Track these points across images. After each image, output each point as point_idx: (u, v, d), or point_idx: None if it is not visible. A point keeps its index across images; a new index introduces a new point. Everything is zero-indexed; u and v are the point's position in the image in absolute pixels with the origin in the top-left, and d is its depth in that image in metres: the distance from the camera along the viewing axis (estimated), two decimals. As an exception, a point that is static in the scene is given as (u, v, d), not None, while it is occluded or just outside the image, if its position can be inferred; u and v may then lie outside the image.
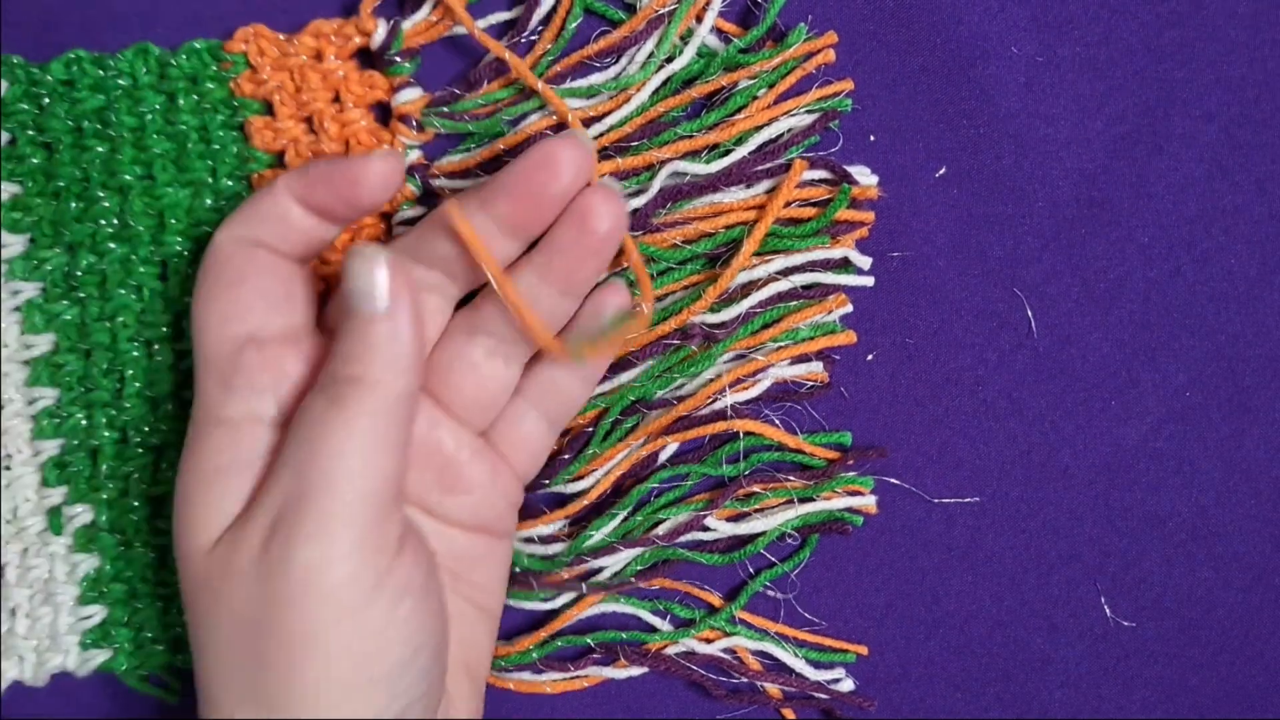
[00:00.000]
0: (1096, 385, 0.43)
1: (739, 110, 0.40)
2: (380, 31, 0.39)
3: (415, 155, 0.40)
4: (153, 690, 0.40)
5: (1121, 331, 0.42)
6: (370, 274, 0.32)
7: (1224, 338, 0.43)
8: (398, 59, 0.39)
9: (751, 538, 0.41)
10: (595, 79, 0.40)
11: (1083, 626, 0.43)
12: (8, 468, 0.38)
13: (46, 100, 0.39)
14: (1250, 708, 0.44)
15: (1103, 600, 0.43)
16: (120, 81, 0.39)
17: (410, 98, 0.39)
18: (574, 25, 0.40)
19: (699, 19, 0.40)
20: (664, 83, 0.40)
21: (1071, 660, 0.43)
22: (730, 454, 0.41)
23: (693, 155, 0.40)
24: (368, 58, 0.40)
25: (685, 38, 0.40)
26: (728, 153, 0.40)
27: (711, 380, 0.40)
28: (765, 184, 0.40)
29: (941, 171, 0.42)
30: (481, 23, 0.40)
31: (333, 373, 0.32)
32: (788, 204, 0.40)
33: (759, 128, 0.40)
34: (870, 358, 0.42)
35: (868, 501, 0.41)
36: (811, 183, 0.40)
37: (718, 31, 0.41)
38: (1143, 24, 0.42)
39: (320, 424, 0.31)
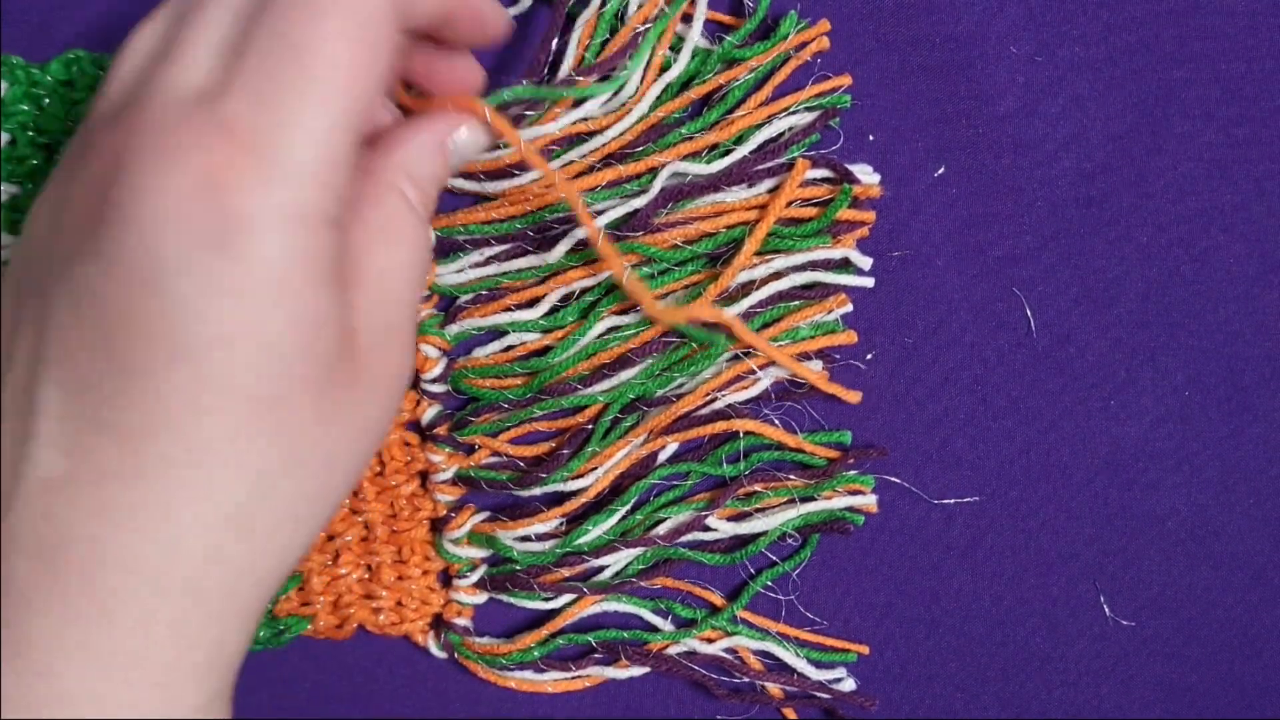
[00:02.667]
0: (1095, 384, 0.43)
1: (738, 106, 0.40)
2: None
3: None
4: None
5: (1120, 330, 0.43)
6: None
7: (1222, 337, 0.43)
8: None
9: (753, 537, 0.41)
10: (590, 107, 0.40)
11: (1082, 625, 0.43)
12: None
13: (46, 101, 0.38)
14: (1249, 706, 0.44)
15: (1102, 599, 0.43)
16: (119, 82, 0.39)
17: None
18: (592, 57, 0.40)
19: (687, 19, 0.40)
20: (663, 90, 0.40)
21: (1070, 659, 0.43)
22: (730, 453, 0.41)
23: (694, 156, 0.40)
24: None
25: (675, 47, 0.40)
26: (728, 152, 0.40)
27: (710, 379, 0.40)
28: (767, 183, 0.40)
29: (940, 171, 0.42)
30: None
31: None
32: (789, 203, 0.40)
33: (759, 126, 0.40)
34: (869, 357, 0.42)
35: (868, 501, 0.41)
36: (813, 181, 0.40)
37: (708, 28, 0.40)
38: (1141, 24, 0.42)
39: None
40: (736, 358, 0.40)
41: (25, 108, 0.38)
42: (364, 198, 0.30)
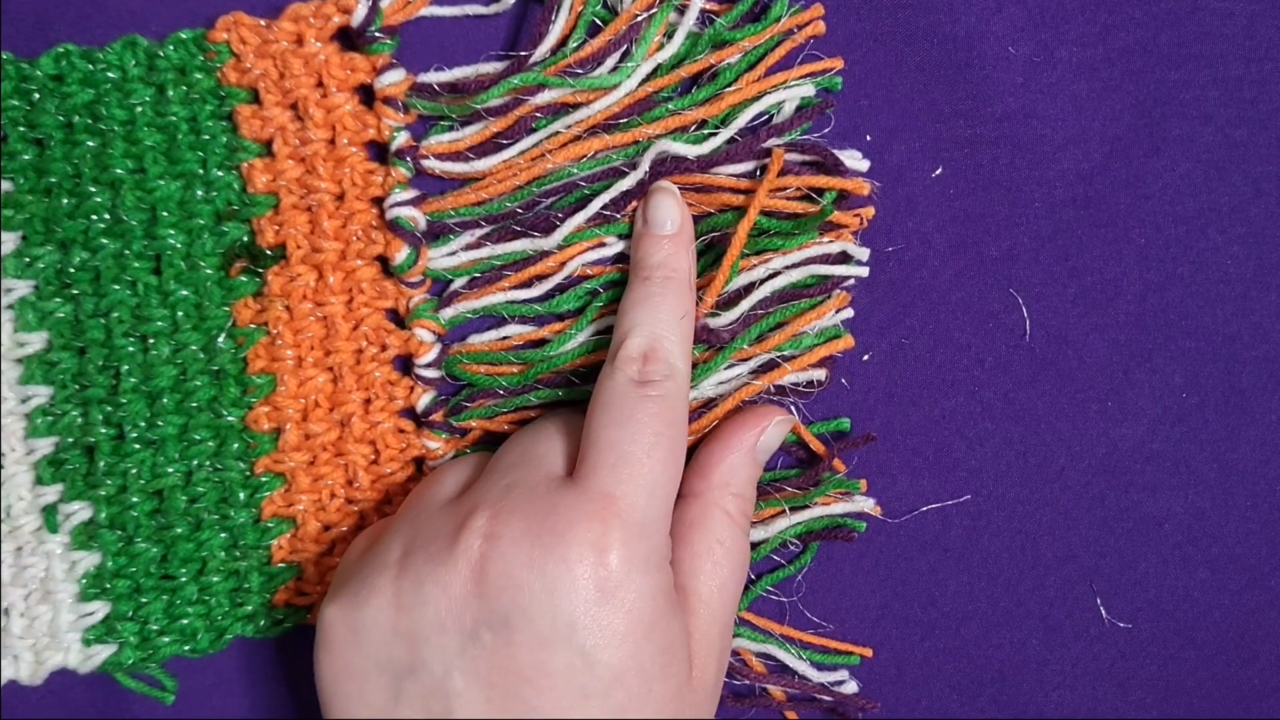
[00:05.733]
0: (1093, 386, 0.43)
1: (728, 85, 0.40)
2: (361, 8, 0.39)
3: (403, 138, 0.39)
4: (149, 691, 0.40)
5: (1118, 332, 0.43)
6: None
7: (1220, 339, 0.43)
8: (379, 35, 0.39)
9: (753, 545, 0.41)
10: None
11: (1079, 627, 0.43)
12: (1, 466, 0.38)
13: (37, 96, 0.38)
14: (1246, 708, 0.44)
15: (1099, 601, 0.43)
16: (109, 75, 0.38)
17: (394, 80, 0.39)
18: (573, 44, 0.40)
19: (682, 10, 0.40)
20: (653, 70, 0.40)
21: (1067, 661, 0.43)
22: None
23: (681, 131, 0.40)
24: (348, 41, 0.40)
25: (668, 32, 0.40)
26: (716, 130, 0.39)
27: (716, 403, 0.40)
28: (753, 164, 0.40)
29: (938, 171, 0.42)
30: (455, 10, 0.40)
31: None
32: (778, 192, 0.39)
33: (748, 102, 0.40)
34: (865, 358, 0.42)
35: (868, 504, 0.41)
36: (801, 166, 0.40)
37: (701, 13, 0.40)
38: (1139, 25, 0.42)
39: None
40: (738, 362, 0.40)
41: (16, 103, 0.38)
42: (690, 522, 0.36)
